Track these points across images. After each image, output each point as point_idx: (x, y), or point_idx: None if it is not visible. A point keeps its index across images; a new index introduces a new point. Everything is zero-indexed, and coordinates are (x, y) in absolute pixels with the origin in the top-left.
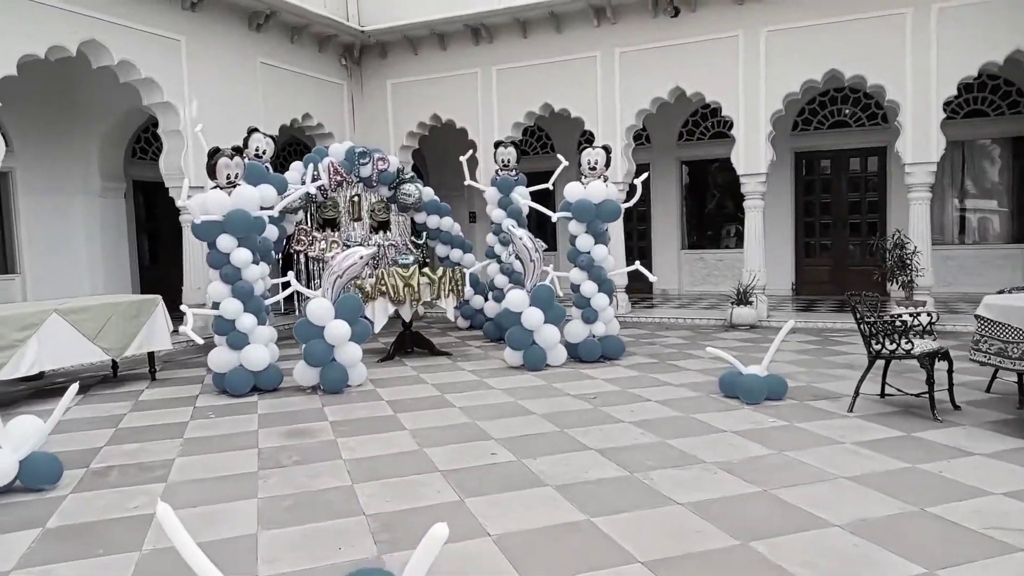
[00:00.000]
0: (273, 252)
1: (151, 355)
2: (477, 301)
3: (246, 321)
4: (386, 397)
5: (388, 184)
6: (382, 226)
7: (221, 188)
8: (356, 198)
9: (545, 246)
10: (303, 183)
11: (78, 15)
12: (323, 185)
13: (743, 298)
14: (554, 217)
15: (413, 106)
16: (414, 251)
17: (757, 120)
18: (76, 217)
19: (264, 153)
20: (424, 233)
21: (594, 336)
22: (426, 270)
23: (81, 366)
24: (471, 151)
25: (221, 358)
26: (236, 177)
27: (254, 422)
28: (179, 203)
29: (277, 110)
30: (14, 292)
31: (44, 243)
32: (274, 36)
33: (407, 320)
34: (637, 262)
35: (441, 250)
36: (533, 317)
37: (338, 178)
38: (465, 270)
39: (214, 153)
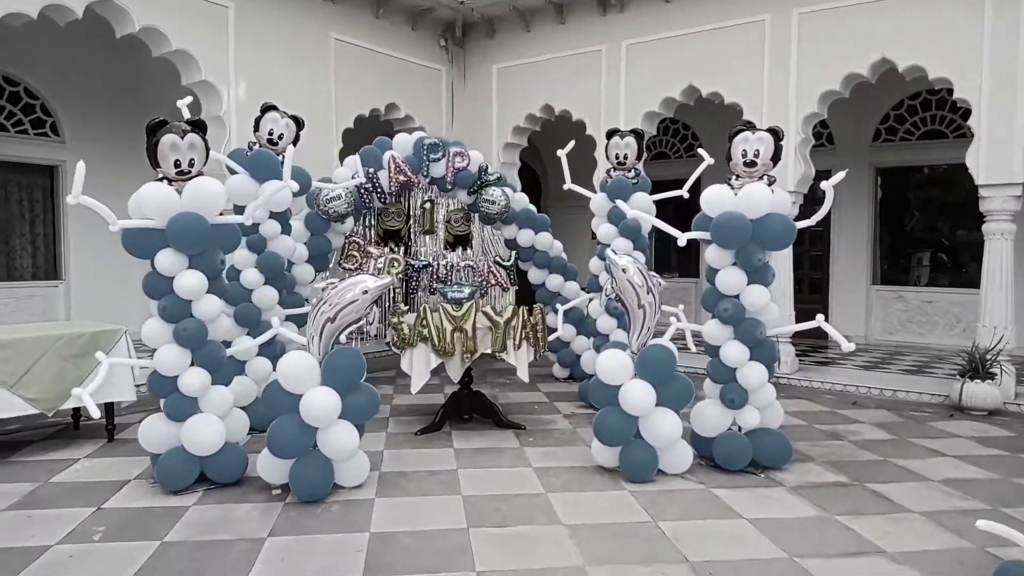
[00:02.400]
0: (315, 271)
1: (109, 408)
2: (580, 344)
3: (191, 380)
4: (375, 526)
5: (468, 187)
6: (460, 241)
7: (171, 181)
8: (428, 204)
9: (662, 283)
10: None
11: None
12: (364, 184)
13: (980, 368)
14: (681, 239)
15: (522, 95)
16: (500, 275)
17: (1012, 105)
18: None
19: (281, 138)
20: (513, 253)
21: (740, 428)
22: (487, 309)
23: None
24: (571, 143)
25: (154, 433)
26: (191, 165)
27: (135, 564)
28: (70, 200)
29: (353, 98)
30: (56, 302)
31: (94, 247)
32: (353, 7)
33: (456, 379)
34: (820, 316)
35: (535, 275)
36: (637, 397)
37: (402, 178)
38: (558, 306)
39: (156, 129)
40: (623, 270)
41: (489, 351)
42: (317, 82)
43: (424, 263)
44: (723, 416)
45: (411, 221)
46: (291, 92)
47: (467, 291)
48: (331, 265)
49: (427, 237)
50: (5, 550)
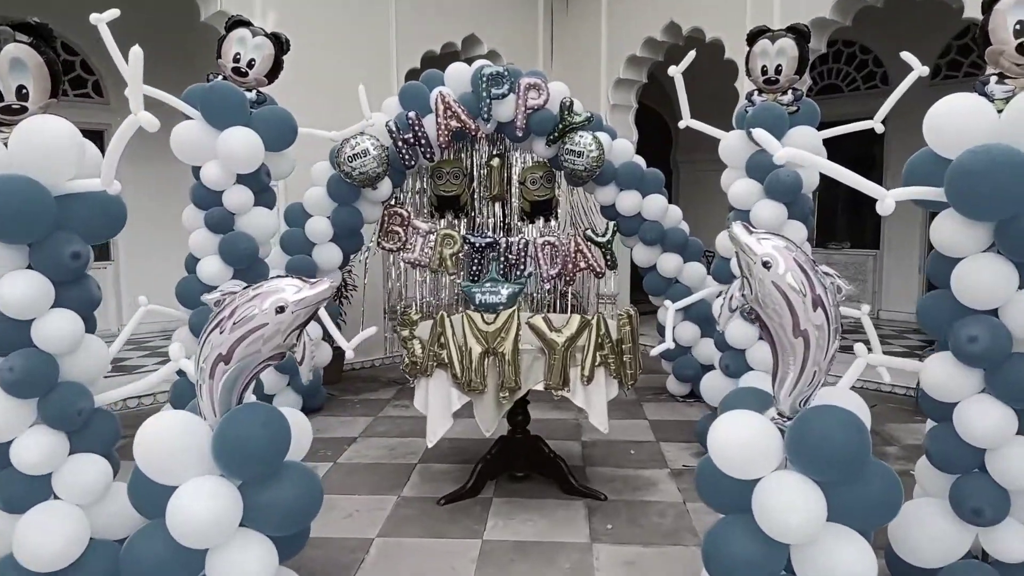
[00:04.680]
0: (343, 254)
1: None
2: (704, 350)
3: (29, 448)
4: None
5: (546, 134)
6: (540, 209)
7: None
8: (495, 161)
9: (844, 287)
10: (394, 135)
11: None
12: (402, 135)
13: None
14: (885, 201)
15: (639, 14)
16: (593, 256)
17: None
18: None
19: (252, 66)
20: (610, 224)
21: (986, 556)
22: (536, 320)
23: None
24: (689, 55)
25: None
26: (23, 97)
27: None
28: None
29: (420, 30)
30: (105, 283)
31: (144, 223)
32: None
33: (487, 430)
34: None
35: (642, 255)
36: (789, 512)
37: (454, 123)
38: (667, 304)
39: None
40: (764, 264)
41: (540, 387)
42: (371, 9)
43: (488, 240)
44: (956, 534)
45: (474, 184)
46: (336, 24)
47: (505, 292)
48: (366, 244)
49: (496, 205)
50: None
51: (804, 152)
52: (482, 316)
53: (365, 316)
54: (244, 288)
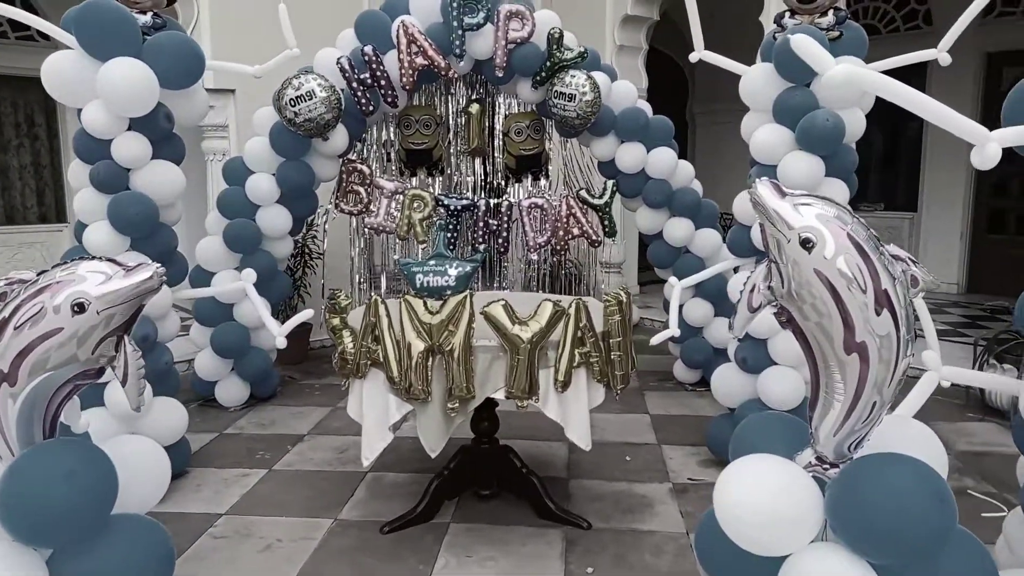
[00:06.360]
0: (293, 219)
1: None
2: (717, 331)
3: None
4: None
5: (533, 73)
6: (528, 165)
7: None
8: (474, 107)
9: (922, 276)
10: (348, 74)
11: None
12: (358, 76)
13: None
14: (988, 149)
15: None
16: (588, 221)
17: None
18: None
19: None
20: (609, 183)
21: None
22: (494, 309)
23: None
24: None
25: None
26: None
27: None
28: None
29: None
30: (60, 249)
31: None
32: None
33: (432, 450)
34: None
35: (646, 220)
36: None
37: (420, 60)
38: (672, 280)
39: None
40: (804, 243)
41: (501, 395)
42: None
43: (465, 202)
44: None
45: (450, 135)
46: None
47: (454, 273)
48: (323, 207)
49: (476, 160)
50: None
51: (870, 71)
52: (425, 303)
53: (326, 290)
54: (37, 276)
